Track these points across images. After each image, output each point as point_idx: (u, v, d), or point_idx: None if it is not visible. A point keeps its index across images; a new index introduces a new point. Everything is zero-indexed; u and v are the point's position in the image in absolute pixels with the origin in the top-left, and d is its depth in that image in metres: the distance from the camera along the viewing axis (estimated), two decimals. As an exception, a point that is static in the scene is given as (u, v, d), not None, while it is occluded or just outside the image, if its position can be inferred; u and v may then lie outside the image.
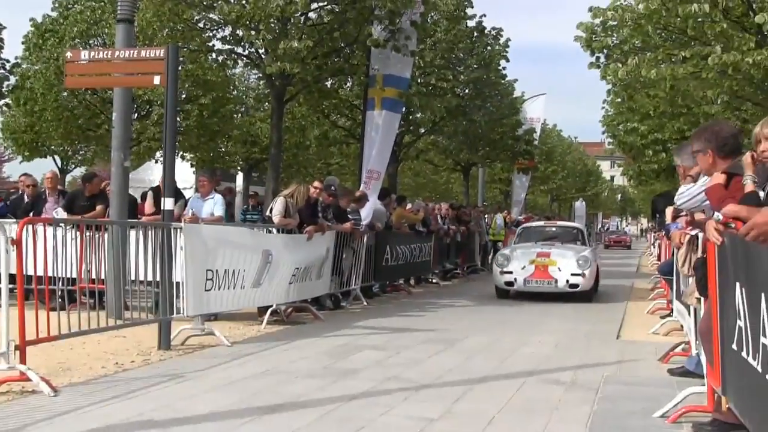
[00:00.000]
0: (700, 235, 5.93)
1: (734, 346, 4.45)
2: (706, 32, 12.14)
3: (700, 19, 11.78)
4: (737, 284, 4.34)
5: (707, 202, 5.39)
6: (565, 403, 6.30)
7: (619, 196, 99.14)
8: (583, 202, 60.81)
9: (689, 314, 7.47)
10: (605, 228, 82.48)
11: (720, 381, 4.91)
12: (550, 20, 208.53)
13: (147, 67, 8.60)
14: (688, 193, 6.02)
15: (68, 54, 8.91)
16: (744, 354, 4.22)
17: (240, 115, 31.07)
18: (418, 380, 7.02)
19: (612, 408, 6.14)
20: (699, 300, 6.19)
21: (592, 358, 8.53)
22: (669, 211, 7.23)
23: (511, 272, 15.28)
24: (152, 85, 9.29)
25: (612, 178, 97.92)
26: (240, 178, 38.00)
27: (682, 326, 9.86)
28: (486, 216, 26.22)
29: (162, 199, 8.75)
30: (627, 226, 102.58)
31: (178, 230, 8.60)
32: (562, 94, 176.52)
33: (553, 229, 18.78)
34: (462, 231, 21.30)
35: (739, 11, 11.96)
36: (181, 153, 26.90)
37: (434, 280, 18.97)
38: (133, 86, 10.06)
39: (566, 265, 15.17)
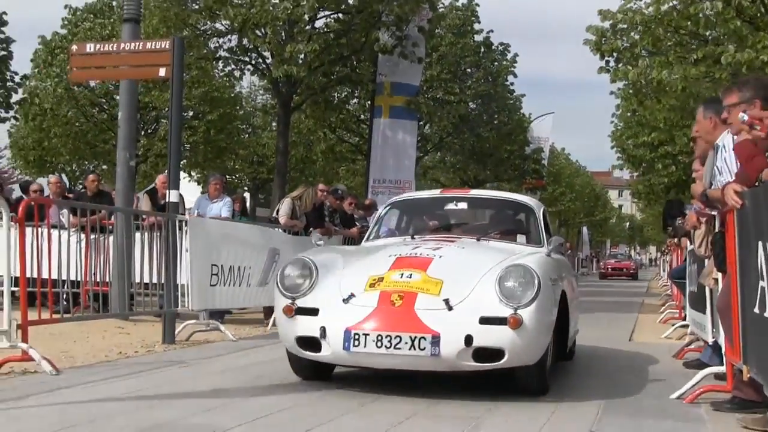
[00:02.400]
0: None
1: (756, 309, 4.31)
2: (718, 31, 12.03)
3: (712, 18, 11.67)
4: (759, 243, 4.21)
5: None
6: (579, 387, 6.14)
7: (628, 224, 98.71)
8: (588, 229, 60.61)
9: (707, 301, 7.28)
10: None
11: (740, 353, 4.75)
12: (548, 51, 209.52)
13: (152, 58, 8.53)
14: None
15: (74, 47, 8.87)
16: (767, 314, 4.07)
17: (247, 135, 31.21)
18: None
19: (627, 391, 5.97)
20: (716, 281, 6.04)
21: (605, 355, 8.38)
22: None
23: (315, 311, 5.45)
24: (158, 77, 9.21)
25: (620, 207, 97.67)
26: (246, 198, 38.05)
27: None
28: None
29: (167, 192, 8.65)
30: (637, 254, 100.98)
31: (183, 223, 8.50)
32: (567, 125, 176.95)
33: (463, 206, 7.58)
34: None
35: (752, 10, 11.85)
36: (188, 170, 27.02)
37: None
38: (138, 78, 10.03)
39: (468, 294, 5.37)
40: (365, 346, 5.11)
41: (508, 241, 6.70)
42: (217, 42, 16.24)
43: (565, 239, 45.66)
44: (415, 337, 5.07)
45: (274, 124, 24.36)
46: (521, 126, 29.00)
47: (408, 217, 7.44)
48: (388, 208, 7.64)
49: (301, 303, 5.46)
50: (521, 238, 6.87)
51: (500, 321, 5.13)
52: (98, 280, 8.72)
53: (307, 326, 5.38)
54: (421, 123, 22.34)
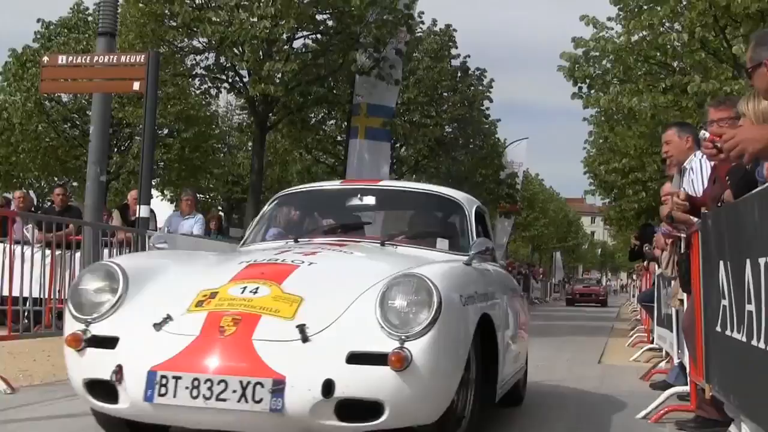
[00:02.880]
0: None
1: (718, 328, 4.36)
2: (685, 62, 12.39)
3: (679, 49, 12.03)
4: (720, 263, 4.27)
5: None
6: (547, 407, 6.18)
7: (599, 250, 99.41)
8: (560, 254, 61.06)
9: (673, 322, 7.37)
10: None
11: (703, 371, 4.81)
12: (523, 77, 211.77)
13: (127, 72, 8.54)
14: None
15: (45, 58, 8.85)
16: (728, 332, 4.12)
17: (222, 154, 31.15)
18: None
19: (594, 411, 6.04)
20: (681, 302, 6.11)
21: (574, 377, 8.42)
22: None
23: (112, 342, 3.68)
24: (132, 91, 9.19)
25: (592, 233, 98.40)
26: (222, 217, 37.91)
27: (662, 350, 9.79)
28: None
29: (137, 207, 8.62)
30: (608, 280, 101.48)
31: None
32: (542, 151, 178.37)
33: (370, 200, 5.69)
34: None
35: (716, 43, 12.22)
36: (161, 188, 26.91)
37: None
38: (112, 92, 10.02)
39: (336, 318, 3.68)
40: (175, 395, 3.42)
41: (424, 247, 4.96)
42: (194, 59, 16.29)
43: (538, 264, 45.21)
44: (248, 383, 3.39)
45: (249, 144, 24.36)
46: (496, 151, 29.21)
47: (299, 215, 5.80)
48: (273, 203, 5.75)
49: (96, 330, 3.72)
50: (443, 243, 5.09)
51: (378, 359, 3.45)
52: (63, 297, 8.61)
53: (98, 364, 3.63)
54: (398, 145, 22.47)
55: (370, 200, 5.65)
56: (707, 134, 3.47)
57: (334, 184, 6.38)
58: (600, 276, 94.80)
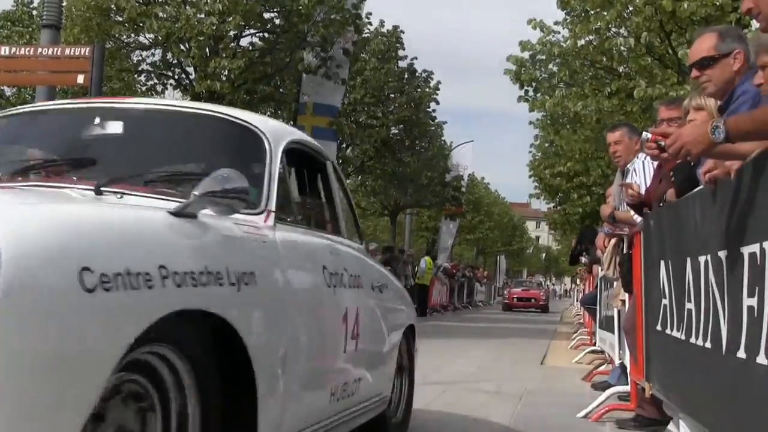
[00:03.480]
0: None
1: (659, 327, 4.43)
2: (631, 67, 12.55)
3: (625, 54, 12.18)
4: (662, 263, 4.34)
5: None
6: (488, 405, 6.21)
7: (544, 255, 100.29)
8: (504, 257, 61.48)
9: (614, 324, 7.48)
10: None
11: (643, 370, 4.88)
12: (470, 81, 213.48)
13: (71, 65, 8.41)
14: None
15: (-14, 49, 8.65)
16: (668, 330, 4.19)
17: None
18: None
19: (535, 410, 6.08)
20: (623, 302, 6.20)
21: (516, 377, 8.49)
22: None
23: None
24: (76, 84, 9.04)
25: (537, 238, 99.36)
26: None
27: (603, 351, 9.93)
28: (411, 261, 26.18)
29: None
30: (552, 285, 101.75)
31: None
32: (486, 158, 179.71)
33: (115, 128, 3.41)
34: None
35: (662, 48, 12.40)
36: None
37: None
38: (56, 85, 9.81)
39: None
40: None
41: (174, 198, 2.84)
42: (140, 55, 16.13)
43: (482, 267, 45.37)
44: None
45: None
46: (442, 153, 29.34)
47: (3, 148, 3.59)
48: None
49: None
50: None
51: None
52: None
53: None
54: (344, 146, 22.43)
55: (115, 128, 3.49)
56: (649, 135, 3.51)
57: (57, 104, 4.36)
58: (544, 279, 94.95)
